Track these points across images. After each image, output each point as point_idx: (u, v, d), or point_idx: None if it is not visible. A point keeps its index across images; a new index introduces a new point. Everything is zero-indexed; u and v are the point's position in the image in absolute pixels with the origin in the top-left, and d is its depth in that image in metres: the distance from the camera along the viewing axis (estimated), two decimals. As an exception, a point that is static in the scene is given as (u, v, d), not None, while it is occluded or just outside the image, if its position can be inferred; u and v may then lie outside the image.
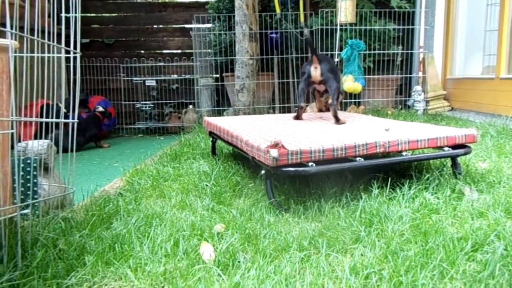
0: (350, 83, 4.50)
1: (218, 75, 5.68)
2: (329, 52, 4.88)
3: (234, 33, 4.90)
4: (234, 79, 4.88)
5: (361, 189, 2.00)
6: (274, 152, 1.79)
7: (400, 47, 5.44)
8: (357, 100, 5.30)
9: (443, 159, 2.35)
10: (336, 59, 4.50)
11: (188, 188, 2.28)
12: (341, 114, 2.85)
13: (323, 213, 1.81)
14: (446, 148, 2.14)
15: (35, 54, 1.66)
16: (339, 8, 4.71)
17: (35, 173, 1.68)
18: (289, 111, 5.28)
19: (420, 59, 5.35)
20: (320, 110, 3.37)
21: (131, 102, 5.97)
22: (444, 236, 1.46)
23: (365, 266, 1.31)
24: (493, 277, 1.21)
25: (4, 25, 1.39)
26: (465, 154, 2.17)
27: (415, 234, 1.52)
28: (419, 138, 2.07)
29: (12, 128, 1.49)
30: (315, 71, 2.80)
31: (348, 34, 5.12)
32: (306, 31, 3.04)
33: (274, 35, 5.30)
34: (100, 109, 4.86)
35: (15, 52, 1.51)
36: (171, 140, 4.40)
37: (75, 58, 1.83)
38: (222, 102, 5.72)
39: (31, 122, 3.90)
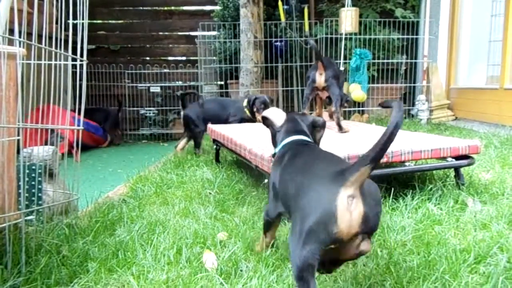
0: (359, 92, 4.51)
1: (222, 82, 5.71)
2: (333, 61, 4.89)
3: (239, 41, 4.93)
4: (238, 87, 4.91)
5: (364, 199, 2.00)
6: (277, 161, 1.78)
7: (404, 56, 5.45)
8: (361, 108, 5.30)
9: (446, 170, 2.35)
10: (341, 68, 4.52)
11: (191, 196, 2.29)
12: (344, 123, 2.85)
13: (326, 223, 1.81)
14: (449, 159, 2.14)
15: (42, 62, 1.68)
16: (344, 18, 4.73)
17: (40, 179, 1.69)
18: (292, 119, 5.27)
19: (424, 68, 5.36)
20: (319, 116, 3.36)
21: (135, 108, 5.99)
22: (446, 247, 1.46)
23: (368, 276, 1.31)
24: (495, 289, 1.21)
25: (12, 32, 1.41)
26: (468, 165, 2.17)
27: (417, 245, 1.52)
28: (423, 148, 2.07)
29: (18, 135, 1.50)
30: (320, 77, 2.78)
31: (352, 43, 5.13)
32: (312, 42, 3.03)
33: (278, 43, 5.33)
34: None
35: (23, 59, 1.53)
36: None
37: (81, 65, 1.84)
38: (226, 109, 5.73)
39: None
